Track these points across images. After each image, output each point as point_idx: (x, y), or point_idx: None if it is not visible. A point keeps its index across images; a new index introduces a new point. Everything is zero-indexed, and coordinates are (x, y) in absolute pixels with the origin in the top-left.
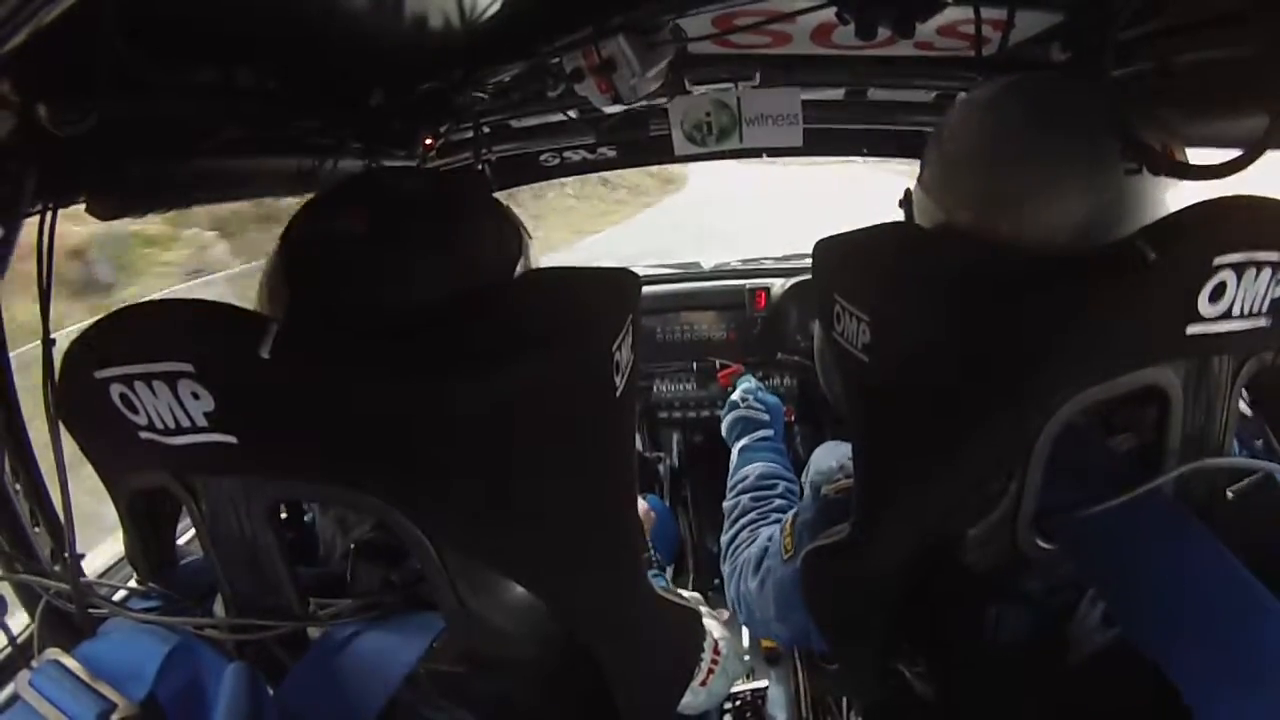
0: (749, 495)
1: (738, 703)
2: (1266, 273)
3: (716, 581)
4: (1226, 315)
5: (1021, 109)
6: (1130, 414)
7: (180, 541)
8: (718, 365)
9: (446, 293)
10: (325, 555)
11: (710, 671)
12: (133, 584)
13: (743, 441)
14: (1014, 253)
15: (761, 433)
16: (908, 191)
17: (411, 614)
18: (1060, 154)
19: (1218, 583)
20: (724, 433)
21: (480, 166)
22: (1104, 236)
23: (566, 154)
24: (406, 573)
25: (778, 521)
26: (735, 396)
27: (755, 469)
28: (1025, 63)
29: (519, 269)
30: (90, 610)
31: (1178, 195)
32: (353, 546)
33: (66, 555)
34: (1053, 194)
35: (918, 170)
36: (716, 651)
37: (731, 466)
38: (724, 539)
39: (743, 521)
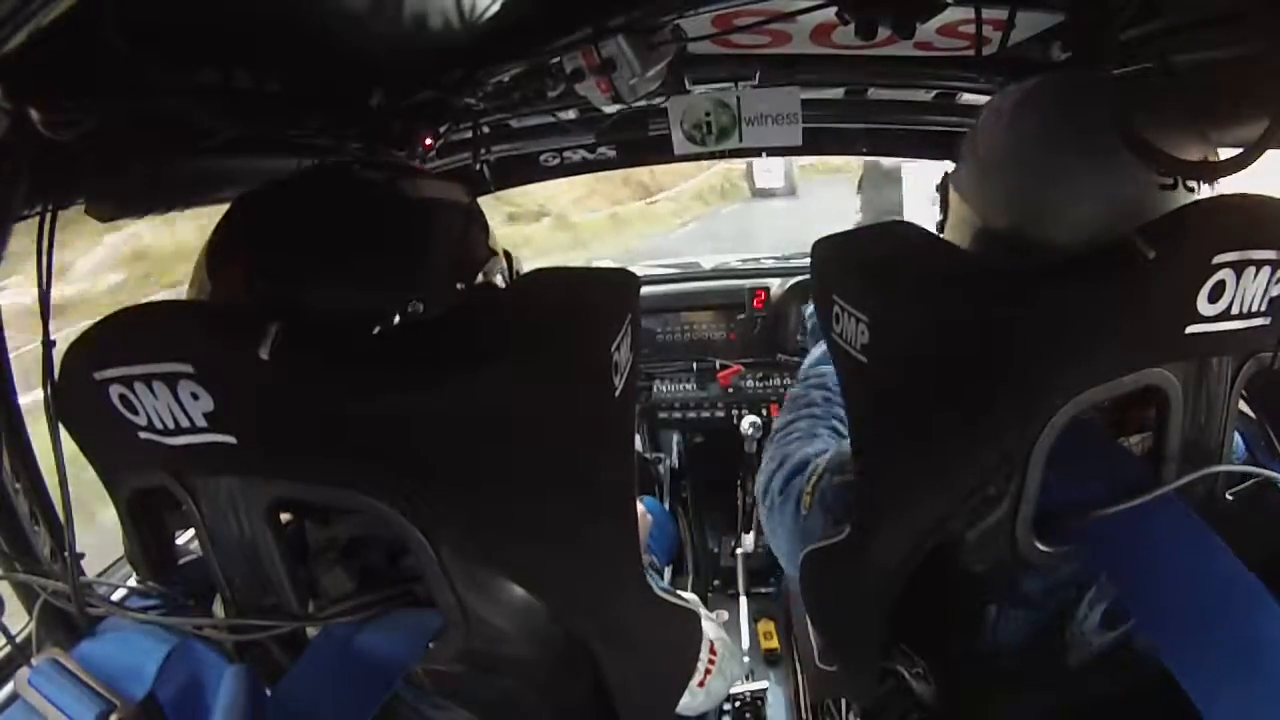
0: (820, 392)
1: (737, 704)
2: (1265, 271)
3: (716, 583)
4: (1226, 314)
5: (1050, 113)
6: (1142, 414)
7: (180, 541)
8: (718, 365)
9: (413, 296)
10: (315, 555)
11: (708, 673)
12: (132, 583)
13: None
14: (1043, 253)
15: None
16: (945, 177)
17: (410, 613)
18: (1090, 156)
19: (1222, 583)
20: (808, 321)
21: (479, 166)
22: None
23: (566, 154)
24: (398, 571)
25: (833, 431)
26: None
27: (833, 371)
28: (1025, 63)
29: (485, 271)
30: (89, 609)
31: (1188, 197)
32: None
33: (66, 555)
34: (1077, 197)
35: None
36: (713, 652)
37: (811, 357)
38: (778, 421)
39: (803, 413)
